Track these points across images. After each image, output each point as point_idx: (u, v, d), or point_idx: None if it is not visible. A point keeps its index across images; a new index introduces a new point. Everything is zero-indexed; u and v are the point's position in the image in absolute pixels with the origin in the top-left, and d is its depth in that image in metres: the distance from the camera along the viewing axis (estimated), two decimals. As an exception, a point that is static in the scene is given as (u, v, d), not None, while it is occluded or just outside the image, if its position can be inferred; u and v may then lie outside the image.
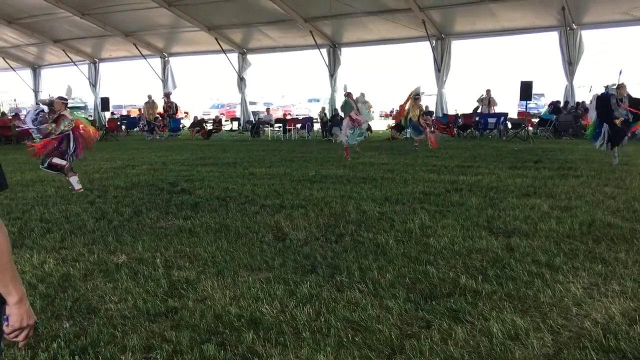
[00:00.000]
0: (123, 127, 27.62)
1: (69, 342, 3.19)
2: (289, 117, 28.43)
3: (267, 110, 27.81)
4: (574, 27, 20.03)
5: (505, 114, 21.23)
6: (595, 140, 10.93)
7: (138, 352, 3.09)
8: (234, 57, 26.52)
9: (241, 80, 26.64)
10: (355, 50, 29.15)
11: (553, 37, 20.92)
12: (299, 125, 23.84)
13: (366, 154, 13.90)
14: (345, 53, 25.19)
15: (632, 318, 3.34)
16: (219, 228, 5.89)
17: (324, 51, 24.53)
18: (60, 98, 8.75)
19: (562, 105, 21.25)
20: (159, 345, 3.15)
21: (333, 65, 24.58)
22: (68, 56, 28.74)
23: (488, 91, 22.76)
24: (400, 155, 13.47)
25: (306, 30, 23.02)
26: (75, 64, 29.47)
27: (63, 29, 25.79)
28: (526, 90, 18.80)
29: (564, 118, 19.77)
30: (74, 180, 8.60)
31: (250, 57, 26.64)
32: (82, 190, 8.48)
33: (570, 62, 20.34)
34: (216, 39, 24.94)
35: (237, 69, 26.53)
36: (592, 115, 11.28)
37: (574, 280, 4.02)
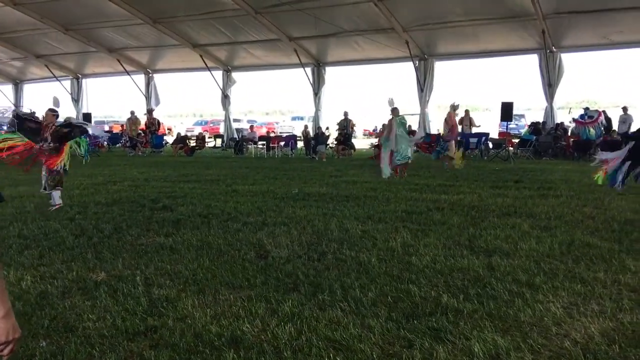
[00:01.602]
0: (105, 143, 27.39)
1: (45, 362, 3.13)
2: (272, 134, 28.48)
3: (251, 127, 27.83)
4: (554, 50, 20.43)
5: (487, 134, 21.49)
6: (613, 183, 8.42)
7: (116, 372, 3.04)
8: (218, 74, 26.58)
9: (225, 97, 26.67)
10: (340, 70, 29.41)
11: (533, 59, 21.32)
12: (282, 143, 23.88)
13: (349, 172, 13.94)
14: (330, 72, 25.39)
15: (611, 338, 3.37)
16: (200, 245, 5.84)
17: (308, 70, 24.69)
18: (51, 110, 8.77)
19: (541, 126, 21.57)
20: (137, 365, 3.10)
21: (317, 84, 24.74)
22: (51, 71, 28.60)
23: (467, 112, 23.06)
24: (383, 173, 13.50)
25: (291, 49, 23.17)
26: (58, 79, 29.32)
27: (46, 44, 25.67)
28: (507, 111, 19.09)
29: (543, 139, 20.06)
30: (57, 195, 8.49)
31: (234, 74, 26.71)
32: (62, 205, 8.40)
33: (550, 84, 20.71)
34: (201, 56, 25.01)
35: (221, 86, 26.57)
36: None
37: (553, 299, 4.05)
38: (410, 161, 12.81)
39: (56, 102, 9.20)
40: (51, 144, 8.50)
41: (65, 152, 8.52)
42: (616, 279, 4.50)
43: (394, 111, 12.68)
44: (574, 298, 4.09)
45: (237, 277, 4.67)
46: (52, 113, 8.73)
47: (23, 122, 9.03)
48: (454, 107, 15.46)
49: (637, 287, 4.31)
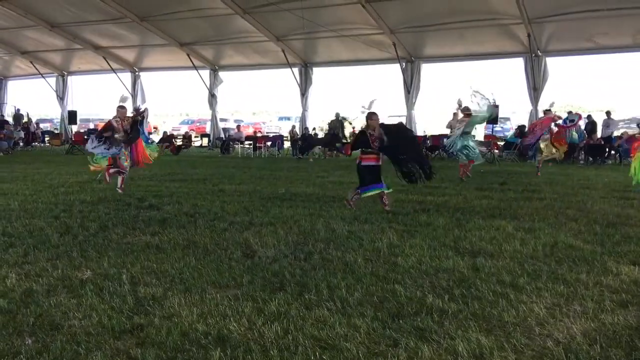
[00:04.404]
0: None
1: (30, 359, 3.12)
2: (259, 134, 28.45)
3: (238, 127, 27.76)
4: (539, 53, 20.63)
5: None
6: None
7: (102, 370, 3.04)
8: (205, 73, 26.47)
9: (212, 96, 26.57)
10: (327, 70, 29.43)
11: (519, 62, 21.50)
12: (269, 143, 23.85)
13: (335, 173, 13.97)
14: (317, 72, 25.39)
15: (593, 338, 3.43)
16: (187, 244, 5.84)
17: (295, 70, 24.68)
18: (121, 107, 9.89)
19: (526, 129, 21.75)
20: (123, 363, 3.10)
21: (304, 84, 24.74)
22: (35, 68, 28.30)
23: (455, 114, 23.20)
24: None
25: (278, 49, 23.16)
26: (43, 76, 29.02)
27: (31, 41, 25.40)
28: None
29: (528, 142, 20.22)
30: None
31: (221, 74, 26.63)
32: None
33: (535, 88, 20.91)
34: (188, 55, 24.89)
35: (208, 85, 26.47)
36: None
37: (537, 300, 4.11)
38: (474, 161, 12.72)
39: (124, 99, 10.22)
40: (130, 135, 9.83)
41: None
42: (598, 281, 4.58)
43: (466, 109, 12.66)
44: (557, 299, 4.15)
45: (223, 276, 4.68)
46: (122, 109, 9.86)
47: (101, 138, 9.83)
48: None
49: (619, 288, 4.39)
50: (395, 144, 8.11)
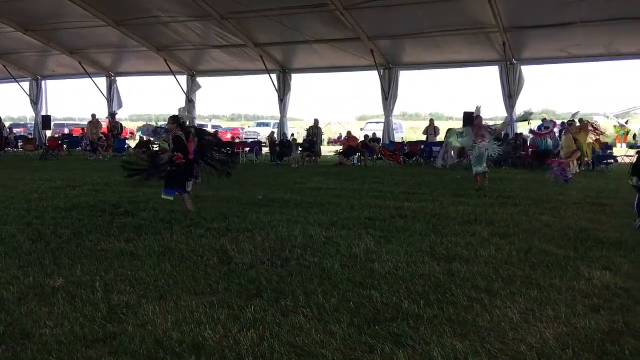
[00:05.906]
0: (64, 146, 26.79)
1: (-1, 369, 3.06)
2: (237, 140, 28.31)
3: (216, 133, 27.60)
4: (514, 62, 20.93)
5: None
6: None
7: (74, 379, 2.99)
8: (183, 79, 26.29)
9: (190, 102, 26.40)
10: (305, 77, 29.46)
11: (494, 70, 21.78)
12: (247, 149, 23.76)
13: (314, 179, 13.97)
14: (295, 79, 25.40)
15: (565, 343, 3.48)
16: (162, 251, 5.78)
17: (274, 76, 24.64)
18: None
19: (502, 136, 22.04)
20: (96, 372, 3.05)
21: (283, 90, 24.70)
22: (9, 72, 27.81)
23: (431, 121, 23.51)
24: (347, 181, 13.61)
25: (256, 55, 23.13)
26: (16, 80, 28.52)
27: (4, 44, 24.97)
28: (469, 121, 19.39)
29: (504, 149, 20.48)
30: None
31: (199, 79, 26.47)
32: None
33: (511, 95, 21.16)
34: (165, 60, 24.70)
35: (185, 91, 26.30)
36: None
37: (511, 305, 4.16)
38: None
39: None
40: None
41: None
42: (571, 286, 4.65)
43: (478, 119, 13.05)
44: (531, 304, 4.20)
45: (199, 283, 4.65)
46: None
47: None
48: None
49: (591, 293, 4.46)
50: (201, 149, 8.62)
